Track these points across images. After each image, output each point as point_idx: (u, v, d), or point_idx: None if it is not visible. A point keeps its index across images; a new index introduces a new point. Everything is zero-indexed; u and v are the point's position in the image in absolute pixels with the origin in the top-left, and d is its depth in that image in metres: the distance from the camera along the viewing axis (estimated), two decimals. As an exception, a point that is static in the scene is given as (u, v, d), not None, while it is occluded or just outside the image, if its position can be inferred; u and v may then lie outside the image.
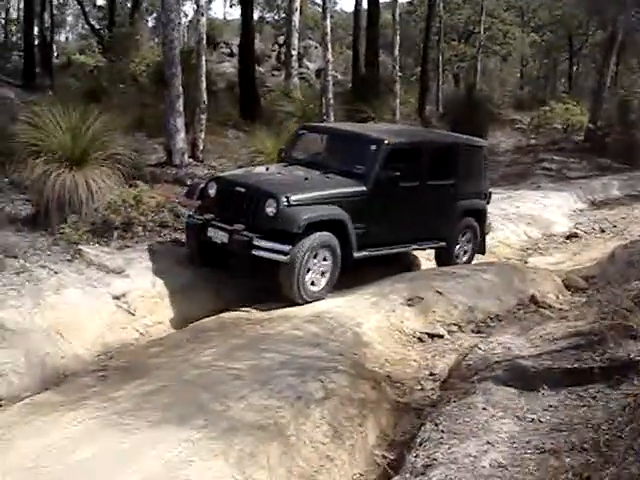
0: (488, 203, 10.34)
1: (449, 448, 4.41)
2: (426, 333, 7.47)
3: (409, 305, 7.79)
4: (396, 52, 15.47)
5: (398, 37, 15.46)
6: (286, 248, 7.55)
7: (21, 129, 10.77)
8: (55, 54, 26.60)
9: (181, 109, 11.85)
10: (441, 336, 7.48)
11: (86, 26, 25.96)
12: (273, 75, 23.96)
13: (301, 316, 7.26)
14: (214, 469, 4.44)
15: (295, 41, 19.49)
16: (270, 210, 7.68)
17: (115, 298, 7.53)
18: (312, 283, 7.86)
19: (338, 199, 8.14)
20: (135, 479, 4.18)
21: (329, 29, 13.56)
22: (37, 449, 4.53)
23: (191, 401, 5.23)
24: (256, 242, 7.58)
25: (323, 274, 7.97)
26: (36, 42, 20.65)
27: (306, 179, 8.36)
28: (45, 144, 9.79)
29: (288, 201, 7.70)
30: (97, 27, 22.44)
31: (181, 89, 11.79)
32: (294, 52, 19.12)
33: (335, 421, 5.33)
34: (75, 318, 7.05)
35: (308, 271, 7.74)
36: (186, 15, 13.69)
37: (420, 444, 4.68)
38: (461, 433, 4.60)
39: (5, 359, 6.22)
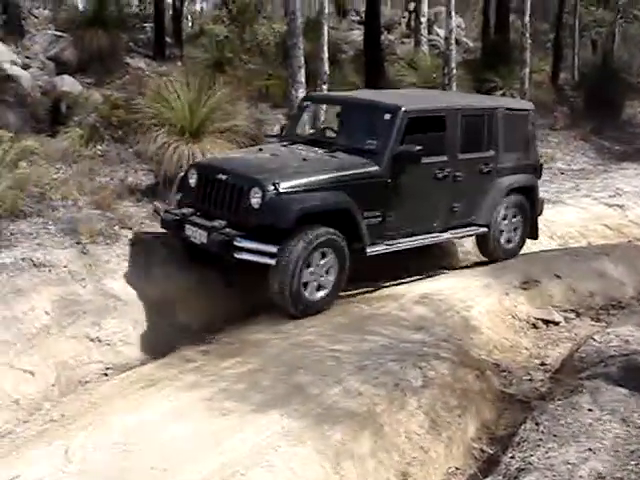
0: (539, 178, 8.84)
1: (547, 452, 4.14)
2: (541, 319, 7.12)
3: (524, 289, 7.44)
4: (526, 18, 14.63)
5: (529, 1, 14.65)
6: (273, 249, 6.31)
7: (145, 101, 11.08)
8: (190, 24, 27.14)
9: (303, 80, 11.72)
10: (557, 323, 7.11)
11: (219, -5, 26.24)
12: (403, 43, 23.42)
13: (410, 296, 7.06)
14: (300, 456, 4.36)
15: (425, 7, 18.98)
16: (255, 201, 6.39)
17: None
18: (311, 289, 6.55)
19: (345, 183, 6.73)
20: (217, 462, 4.16)
21: (453, -5, 13.16)
22: (130, 425, 4.62)
23: (286, 383, 5.17)
24: (237, 242, 6.30)
25: (326, 277, 6.64)
26: (171, 12, 21.17)
27: (305, 160, 6.99)
28: (166, 116, 10.01)
29: (277, 189, 6.38)
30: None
31: (303, 60, 11.67)
32: (423, 19, 18.62)
33: (432, 411, 5.14)
34: (185, 289, 7.16)
35: (303, 275, 6.42)
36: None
37: (517, 444, 4.43)
38: (562, 436, 4.31)
39: (115, 329, 6.41)
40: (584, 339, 6.38)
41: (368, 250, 6.91)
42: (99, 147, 10.66)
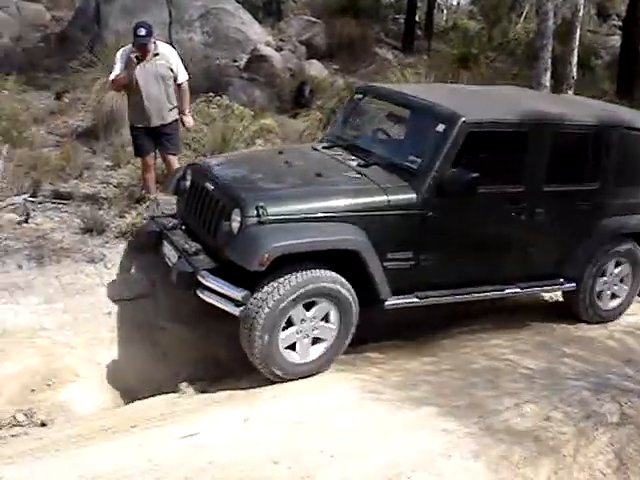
0: None
1: None
2: None
3: None
4: None
5: None
6: (238, 294, 4.88)
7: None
8: (444, 18, 27.12)
9: (547, 83, 11.35)
10: None
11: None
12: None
13: (623, 324, 6.61)
14: (472, 471, 4.22)
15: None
16: (235, 225, 4.94)
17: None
18: (299, 349, 5.06)
19: (364, 213, 5.12)
20: (384, 459, 4.14)
21: None
22: (310, 405, 4.75)
23: (469, 392, 5.05)
24: (202, 277, 4.97)
25: (319, 333, 5.12)
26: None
27: (319, 176, 5.39)
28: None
29: (259, 213, 4.86)
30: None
31: (550, 62, 11.28)
32: (696, 28, 17.16)
33: (624, 452, 4.71)
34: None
35: (280, 331, 4.92)
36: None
37: None
38: None
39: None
40: None
41: (388, 302, 5.35)
42: (335, 132, 10.98)
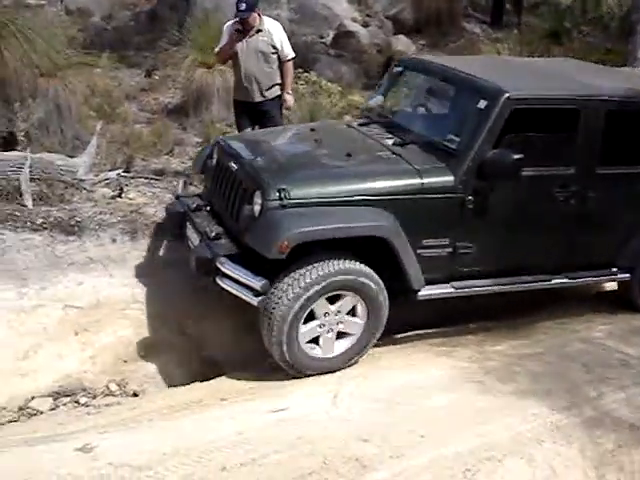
0: None
1: None
2: None
3: None
4: None
5: None
6: (257, 283, 4.60)
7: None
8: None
9: (641, 56, 10.98)
10: None
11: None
12: None
13: None
14: (564, 456, 4.12)
15: None
16: (256, 209, 4.64)
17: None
18: (320, 344, 4.75)
19: (394, 197, 4.76)
20: (474, 442, 4.08)
21: None
22: (398, 383, 4.71)
23: (563, 377, 4.94)
24: (220, 264, 4.66)
25: (345, 327, 4.80)
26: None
27: (349, 156, 5.04)
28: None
29: (281, 197, 4.56)
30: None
31: (645, 35, 10.89)
32: None
33: None
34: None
35: (301, 325, 4.60)
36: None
37: None
38: None
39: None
40: None
41: (421, 293, 5.01)
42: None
